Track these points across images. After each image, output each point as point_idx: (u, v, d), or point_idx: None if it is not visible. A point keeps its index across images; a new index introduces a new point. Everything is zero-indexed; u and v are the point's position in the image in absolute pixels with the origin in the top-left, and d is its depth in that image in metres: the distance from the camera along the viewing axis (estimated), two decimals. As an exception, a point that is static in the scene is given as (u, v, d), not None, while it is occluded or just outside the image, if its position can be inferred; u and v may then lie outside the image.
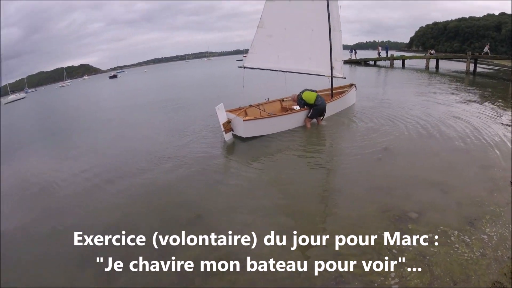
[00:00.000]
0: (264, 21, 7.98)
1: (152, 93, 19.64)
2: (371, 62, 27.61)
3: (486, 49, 15.81)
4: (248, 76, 8.92)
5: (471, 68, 18.76)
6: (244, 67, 8.22)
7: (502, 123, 6.73)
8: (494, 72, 20.61)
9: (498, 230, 3.22)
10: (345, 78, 8.23)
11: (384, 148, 5.51)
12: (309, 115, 7.18)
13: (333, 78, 8.02)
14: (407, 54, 33.91)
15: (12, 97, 47.86)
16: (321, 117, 7.29)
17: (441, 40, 63.52)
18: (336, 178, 4.94)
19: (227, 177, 5.12)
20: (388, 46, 35.91)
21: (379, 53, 28.51)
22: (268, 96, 8.68)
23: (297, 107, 7.38)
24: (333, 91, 8.40)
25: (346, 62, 7.09)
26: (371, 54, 33.51)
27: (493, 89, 12.53)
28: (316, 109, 7.07)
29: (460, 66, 24.24)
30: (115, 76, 61.72)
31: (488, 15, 56.62)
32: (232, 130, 6.78)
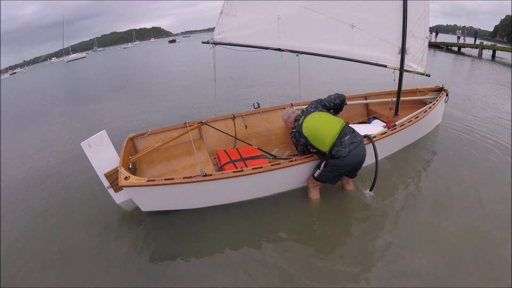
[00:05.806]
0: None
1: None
2: (455, 48, 22.27)
3: None
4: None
5: None
6: (214, 43, 3.91)
7: None
8: None
9: None
10: (429, 75, 3.73)
11: None
12: (315, 175, 2.89)
13: (403, 72, 3.65)
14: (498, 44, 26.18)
15: (73, 56, 55.09)
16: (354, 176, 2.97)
17: (530, 33, 49.27)
18: None
19: None
20: (477, 31, 28.89)
21: (458, 38, 24.32)
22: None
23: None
24: (400, 100, 4.01)
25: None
26: (451, 39, 27.86)
27: None
28: (334, 165, 2.72)
29: None
30: (173, 41, 66.80)
31: None
32: None
